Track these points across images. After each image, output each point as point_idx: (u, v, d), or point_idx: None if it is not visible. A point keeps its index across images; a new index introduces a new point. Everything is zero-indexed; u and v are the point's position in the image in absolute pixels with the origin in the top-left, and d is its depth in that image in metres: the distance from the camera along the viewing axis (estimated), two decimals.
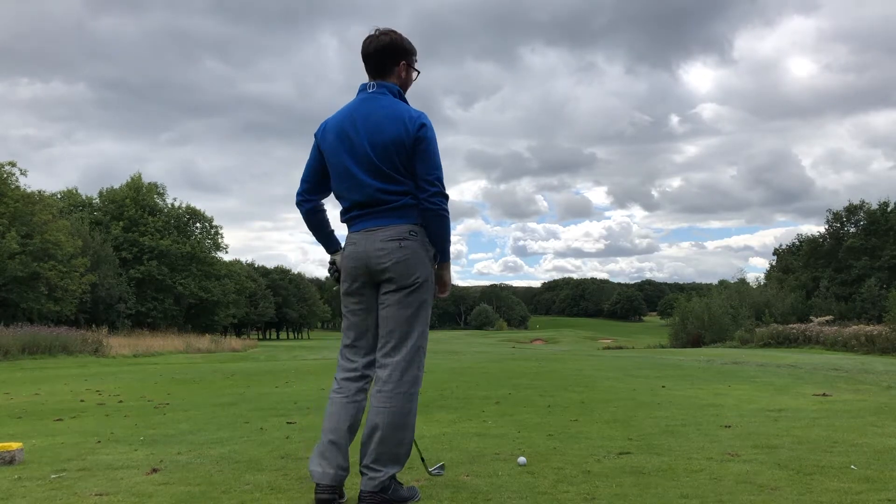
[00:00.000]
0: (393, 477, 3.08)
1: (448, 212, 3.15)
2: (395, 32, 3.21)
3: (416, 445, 3.36)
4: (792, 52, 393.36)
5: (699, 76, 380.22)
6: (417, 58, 3.31)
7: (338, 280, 3.32)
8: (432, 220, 3.12)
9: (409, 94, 3.41)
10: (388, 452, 3.03)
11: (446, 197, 3.13)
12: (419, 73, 3.34)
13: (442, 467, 3.55)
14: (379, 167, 3.09)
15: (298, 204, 3.38)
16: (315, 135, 3.31)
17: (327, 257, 3.53)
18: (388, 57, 3.18)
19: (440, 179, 3.12)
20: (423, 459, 3.52)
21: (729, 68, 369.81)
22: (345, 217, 3.28)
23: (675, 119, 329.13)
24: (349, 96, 3.31)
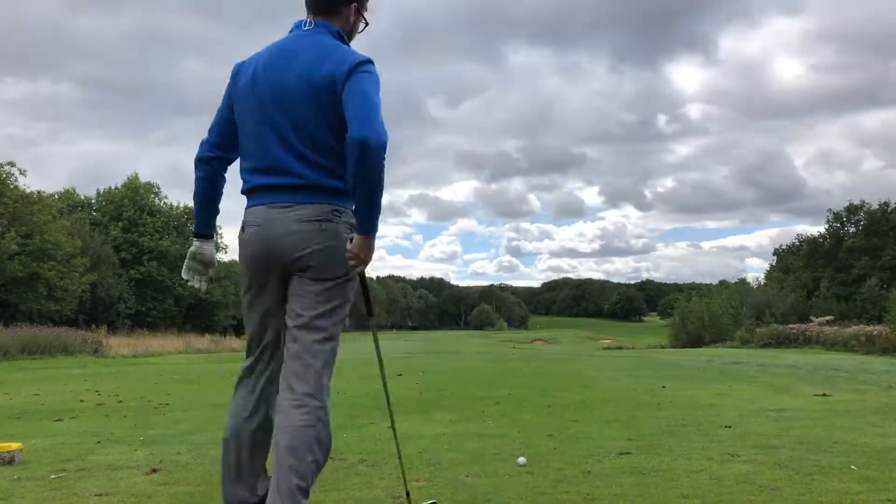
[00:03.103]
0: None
1: (382, 168, 2.34)
2: None
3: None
4: (778, 52, 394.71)
5: (685, 76, 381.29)
6: (369, 6, 2.73)
7: (200, 280, 2.81)
8: (364, 174, 2.32)
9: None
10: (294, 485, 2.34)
11: (384, 149, 2.33)
12: (367, 24, 2.72)
13: None
14: (301, 123, 2.47)
15: (201, 158, 2.71)
16: (231, 74, 2.68)
17: None
18: None
19: (380, 128, 2.34)
20: (407, 494, 3.05)
21: (715, 68, 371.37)
22: (247, 186, 2.61)
23: (662, 119, 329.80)
24: None
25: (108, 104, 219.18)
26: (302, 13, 2.67)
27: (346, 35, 2.66)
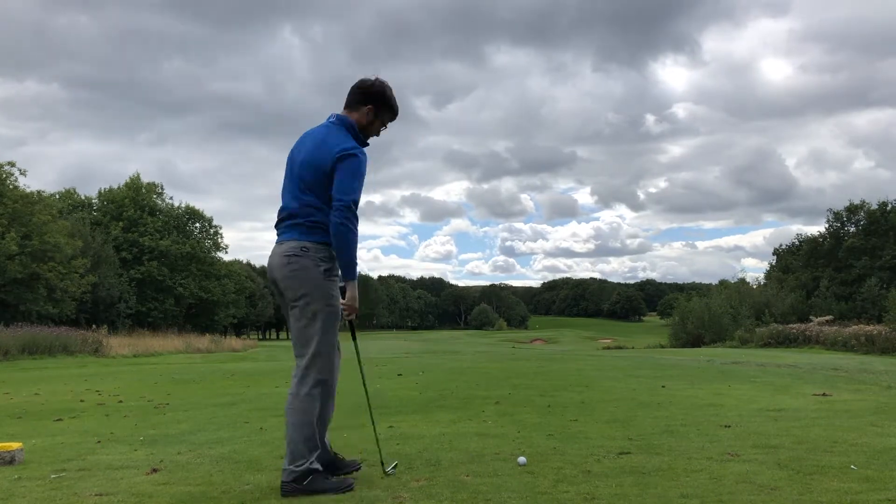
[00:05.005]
0: (309, 469, 3.42)
1: (349, 227, 3.38)
2: (380, 83, 3.65)
3: (378, 444, 3.94)
4: (765, 53, 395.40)
5: (671, 76, 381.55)
6: (392, 116, 3.70)
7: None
8: (333, 232, 3.40)
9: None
10: (291, 448, 3.43)
11: (350, 213, 3.38)
12: (385, 127, 3.73)
13: (395, 467, 3.87)
14: (300, 183, 3.51)
15: None
16: None
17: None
18: (357, 95, 3.63)
19: (346, 198, 3.39)
20: (382, 462, 3.85)
21: (700, 69, 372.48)
22: (275, 225, 3.67)
23: (651, 119, 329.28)
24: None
25: (94, 104, 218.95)
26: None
27: (362, 130, 3.63)
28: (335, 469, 3.70)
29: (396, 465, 3.93)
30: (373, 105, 3.61)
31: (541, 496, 3.23)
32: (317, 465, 3.45)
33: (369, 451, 4.54)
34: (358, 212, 3.49)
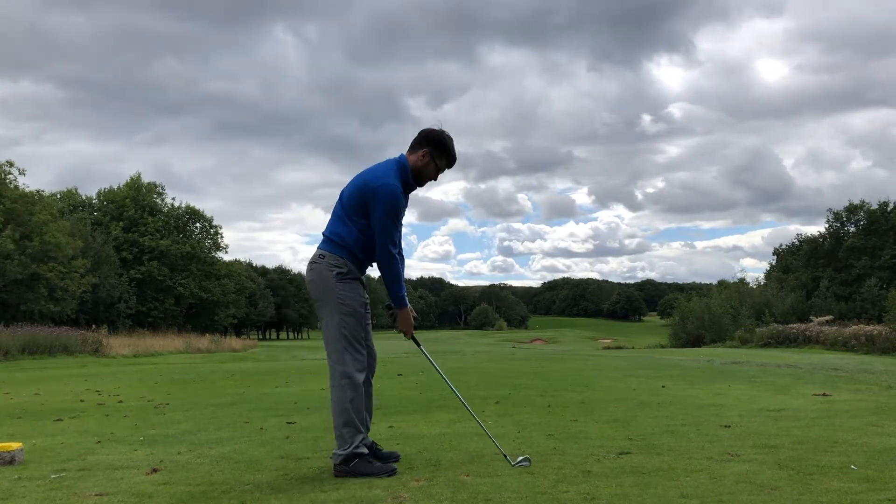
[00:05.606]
0: (353, 453, 3.77)
1: (387, 262, 3.84)
2: (441, 132, 3.98)
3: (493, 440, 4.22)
4: (760, 53, 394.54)
5: (666, 76, 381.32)
6: (447, 162, 4.02)
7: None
8: (378, 267, 3.92)
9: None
10: (336, 434, 3.83)
11: (386, 251, 3.82)
12: (438, 170, 4.03)
13: (527, 459, 3.92)
14: (339, 202, 3.96)
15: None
16: None
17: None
18: (417, 139, 3.99)
19: (381, 240, 3.81)
20: (505, 455, 4.01)
21: (695, 69, 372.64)
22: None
23: (647, 119, 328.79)
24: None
25: (90, 104, 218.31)
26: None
27: (415, 171, 3.96)
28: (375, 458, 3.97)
29: (528, 459, 3.94)
30: (428, 149, 3.96)
31: (541, 496, 3.23)
32: (362, 450, 3.79)
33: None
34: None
